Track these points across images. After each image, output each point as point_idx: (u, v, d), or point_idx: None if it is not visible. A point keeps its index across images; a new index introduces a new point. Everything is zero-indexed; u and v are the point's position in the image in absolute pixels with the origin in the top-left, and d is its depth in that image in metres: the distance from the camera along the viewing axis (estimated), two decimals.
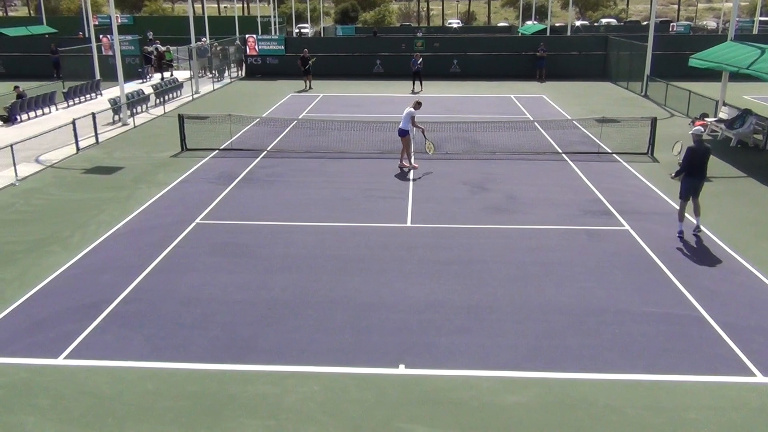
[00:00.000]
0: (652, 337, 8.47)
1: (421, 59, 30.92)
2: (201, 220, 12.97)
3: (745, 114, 19.66)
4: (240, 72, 37.88)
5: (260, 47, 37.29)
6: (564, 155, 18.09)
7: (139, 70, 34.46)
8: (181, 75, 34.23)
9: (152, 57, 35.48)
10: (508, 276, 10.30)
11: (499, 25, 79.60)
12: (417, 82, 30.99)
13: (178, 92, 29.07)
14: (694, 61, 21.60)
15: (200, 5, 63.01)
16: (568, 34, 49.99)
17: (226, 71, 36.59)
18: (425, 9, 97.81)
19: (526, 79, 34.76)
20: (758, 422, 6.85)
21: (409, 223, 12.72)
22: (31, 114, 24.14)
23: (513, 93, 30.34)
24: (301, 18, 72.38)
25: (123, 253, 11.34)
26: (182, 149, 18.79)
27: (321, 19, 72.26)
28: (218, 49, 36.43)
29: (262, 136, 20.46)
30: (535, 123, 21.79)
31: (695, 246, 11.63)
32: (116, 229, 12.52)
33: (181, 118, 19.04)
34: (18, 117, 23.29)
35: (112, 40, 23.62)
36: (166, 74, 34.63)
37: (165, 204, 14.10)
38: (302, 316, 9.05)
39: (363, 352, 8.16)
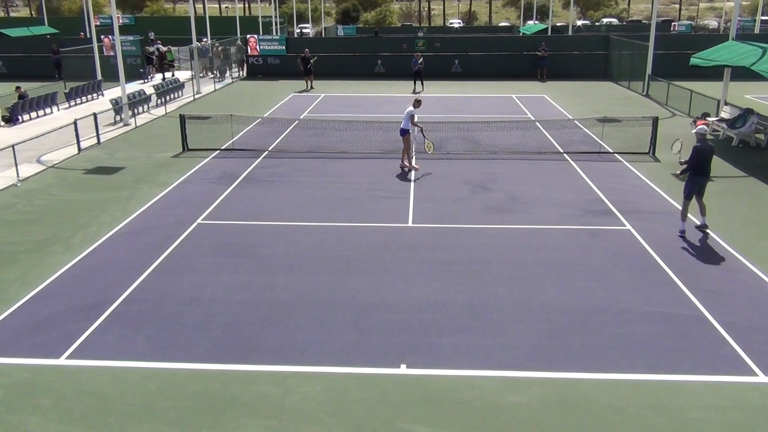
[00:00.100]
0: (653, 337, 8.46)
1: (422, 59, 30.91)
2: (202, 220, 12.97)
3: (746, 113, 19.64)
4: (241, 72, 37.89)
5: (261, 47, 37.31)
6: (565, 155, 18.08)
7: (141, 70, 34.49)
8: (182, 75, 34.25)
9: (153, 57, 35.50)
10: (509, 276, 10.30)
11: (500, 24, 79.59)
12: (418, 82, 30.97)
13: (180, 92, 29.09)
14: (695, 60, 21.59)
15: (201, 5, 63.06)
16: (570, 33, 49.97)
17: (228, 71, 36.60)
18: (426, 9, 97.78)
19: (527, 79, 34.74)
20: (760, 422, 6.84)
21: (410, 223, 12.71)
22: (33, 114, 24.16)
23: (514, 93, 30.33)
24: (302, 18, 72.41)
25: (124, 254, 11.35)
26: (183, 149, 18.80)
27: (322, 19, 72.27)
28: (219, 49, 36.45)
29: (264, 136, 20.46)
30: (537, 123, 21.78)
31: (697, 245, 11.62)
32: (118, 230, 12.53)
33: (182, 119, 19.05)
34: (19, 117, 23.31)
35: (114, 40, 23.63)
36: (168, 74, 34.66)
37: (166, 204, 14.11)
38: (304, 316, 9.05)
39: (365, 352, 8.17)
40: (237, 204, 13.98)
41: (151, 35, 40.74)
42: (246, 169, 16.68)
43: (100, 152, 18.93)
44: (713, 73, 23.53)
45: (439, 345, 8.31)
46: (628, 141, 19.22)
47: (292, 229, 12.47)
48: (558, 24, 66.88)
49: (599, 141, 19.43)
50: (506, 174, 16.22)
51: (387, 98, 28.62)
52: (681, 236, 11.91)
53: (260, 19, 52.60)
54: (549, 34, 47.46)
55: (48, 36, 46.02)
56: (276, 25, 54.63)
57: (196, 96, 29.53)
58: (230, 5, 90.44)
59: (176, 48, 37.55)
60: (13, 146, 16.12)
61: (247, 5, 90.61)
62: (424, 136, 16.85)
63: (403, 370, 7.79)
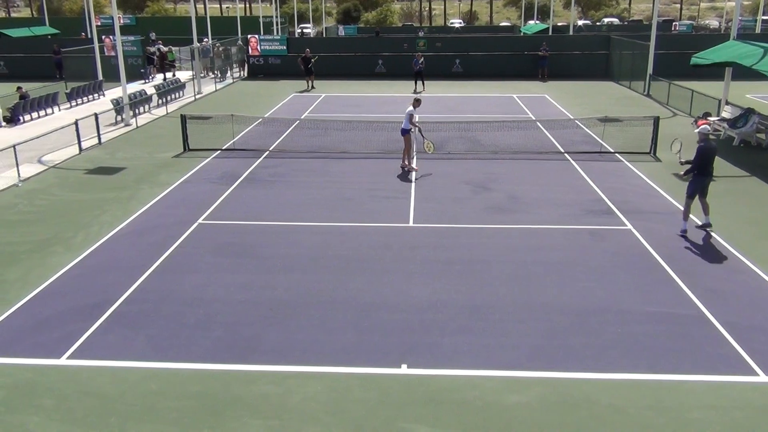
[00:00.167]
0: (654, 337, 8.46)
1: (422, 59, 30.90)
2: (203, 220, 12.98)
3: (747, 113, 19.62)
4: (242, 72, 37.90)
5: (262, 47, 37.32)
6: (566, 155, 18.07)
7: (142, 70, 34.51)
8: (183, 75, 34.28)
9: (154, 57, 35.53)
10: (510, 276, 10.30)
11: (501, 24, 79.57)
12: (419, 82, 30.96)
13: (181, 93, 29.11)
14: (696, 59, 21.58)
15: (202, 6, 63.09)
16: (571, 33, 49.94)
17: (229, 71, 36.62)
18: (427, 9, 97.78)
19: (528, 79, 34.74)
20: (761, 422, 6.83)
21: (411, 223, 12.72)
22: (34, 115, 24.18)
23: (515, 93, 30.32)
24: (303, 18, 72.43)
25: (126, 254, 11.36)
26: (185, 149, 18.81)
27: (323, 19, 72.28)
28: (220, 49, 36.46)
29: (265, 136, 20.47)
30: (538, 123, 21.78)
31: (698, 245, 11.61)
32: (119, 230, 12.54)
33: (183, 119, 19.06)
34: (21, 118, 23.33)
35: (115, 40, 23.64)
36: (169, 75, 34.68)
37: (167, 204, 14.12)
38: (305, 316, 9.05)
39: (366, 352, 8.17)
40: (238, 204, 13.99)
41: (153, 35, 40.77)
42: (247, 169, 16.69)
43: (101, 152, 18.94)
44: (714, 73, 23.51)
45: (440, 345, 8.31)
46: (629, 141, 19.21)
47: (293, 229, 12.47)
48: (559, 24, 66.84)
49: (600, 141, 19.43)
50: (507, 174, 16.22)
51: (388, 98, 28.63)
52: (682, 236, 11.91)
53: (261, 19, 52.61)
54: (550, 33, 47.46)
55: (49, 36, 46.07)
56: (277, 25, 54.65)
57: (197, 96, 29.55)
58: (231, 5, 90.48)
59: (177, 48, 37.57)
60: (14, 146, 16.14)
61: (247, 5, 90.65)
62: (422, 137, 16.85)
63: (404, 370, 7.80)
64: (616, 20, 77.34)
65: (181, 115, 19.41)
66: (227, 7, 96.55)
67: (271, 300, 9.54)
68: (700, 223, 12.33)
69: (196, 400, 7.24)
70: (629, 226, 12.47)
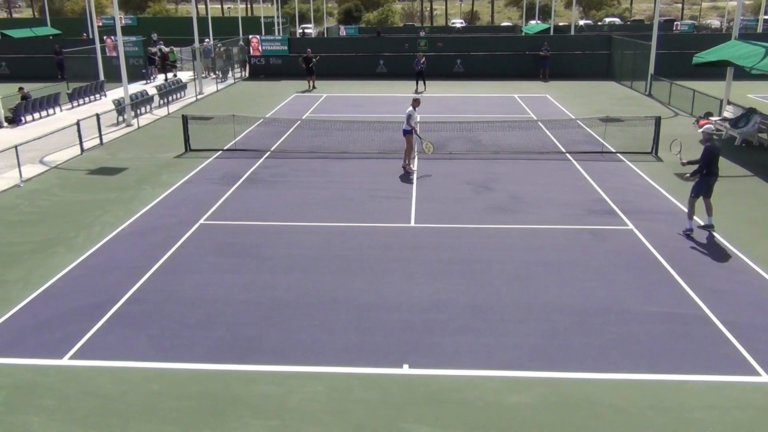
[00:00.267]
0: (656, 337, 8.45)
1: (424, 59, 30.88)
2: (205, 220, 12.99)
3: (749, 113, 19.60)
4: (243, 72, 37.93)
5: (264, 48, 37.34)
6: (568, 155, 18.06)
7: (143, 71, 34.54)
8: (184, 76, 34.31)
9: (156, 58, 35.56)
10: (511, 276, 10.30)
11: (502, 24, 79.53)
12: (420, 83, 30.96)
13: (182, 93, 29.13)
14: (698, 58, 21.56)
15: (204, 6, 63.14)
16: (572, 33, 49.91)
17: (230, 72, 36.64)
18: (428, 9, 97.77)
19: (529, 79, 34.73)
20: (762, 422, 6.83)
21: (412, 223, 12.72)
22: (36, 115, 24.21)
23: (516, 92, 30.31)
24: (304, 18, 72.46)
25: (127, 254, 11.37)
26: (186, 150, 18.83)
27: (324, 19, 72.30)
28: (222, 49, 36.49)
29: (266, 136, 20.48)
30: (539, 122, 21.77)
31: (700, 245, 11.60)
32: (120, 230, 12.55)
33: (185, 119, 19.08)
34: (22, 118, 23.36)
35: (116, 41, 23.67)
36: (170, 75, 34.71)
37: (169, 204, 14.13)
38: (306, 317, 9.06)
39: (367, 352, 8.17)
40: (239, 204, 14.00)
41: (154, 36, 40.79)
42: (248, 170, 16.70)
43: (102, 153, 18.97)
44: (716, 73, 23.50)
45: (442, 345, 8.31)
46: (631, 141, 19.20)
47: (295, 229, 12.48)
48: (560, 24, 66.82)
49: (602, 141, 19.42)
50: (508, 174, 16.21)
51: (389, 98, 28.62)
52: (687, 235, 11.89)
53: (262, 20, 52.67)
54: (551, 33, 47.44)
55: (51, 37, 46.11)
56: (278, 25, 54.69)
57: (199, 96, 29.57)
58: (232, 6, 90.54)
59: (178, 48, 37.59)
60: (16, 147, 16.16)
61: (249, 6, 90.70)
62: (420, 137, 16.79)
63: (406, 370, 7.80)
64: (617, 20, 77.26)
65: (183, 115, 19.43)
66: (228, 8, 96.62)
67: (272, 300, 9.55)
68: (702, 224, 12.31)
69: (197, 400, 7.25)
70: (631, 226, 12.46)
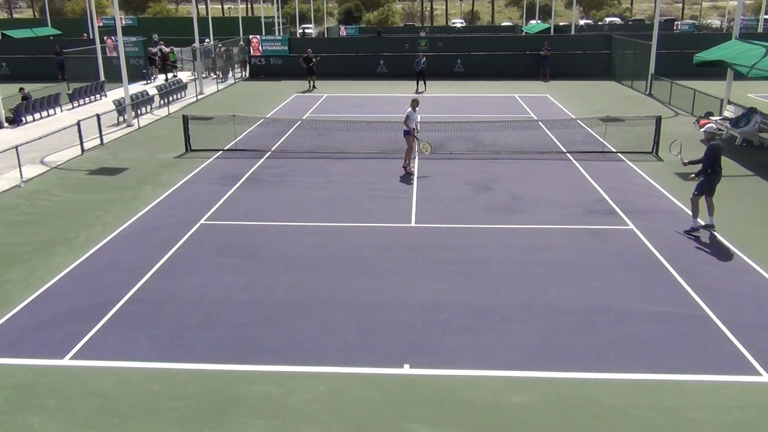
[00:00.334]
0: (656, 337, 8.45)
1: (424, 59, 30.88)
2: (205, 220, 13.00)
3: (750, 112, 19.58)
4: (244, 73, 37.94)
5: (264, 48, 37.35)
6: (568, 154, 18.06)
7: (144, 71, 34.56)
8: (184, 76, 34.31)
9: (156, 58, 35.57)
10: (512, 276, 10.29)
11: (502, 24, 79.54)
12: (421, 82, 30.95)
13: (183, 93, 29.14)
14: (698, 58, 21.55)
15: (204, 6, 63.16)
16: (572, 33, 49.90)
17: (230, 72, 36.65)
18: (429, 9, 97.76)
19: (530, 79, 34.73)
20: (763, 422, 6.82)
21: (413, 223, 12.72)
22: (36, 115, 24.23)
23: (517, 92, 30.31)
24: (304, 18, 72.48)
25: (128, 254, 11.38)
26: (186, 150, 18.84)
27: (325, 19, 72.32)
28: (222, 50, 36.50)
29: (266, 136, 20.48)
30: (539, 122, 21.76)
31: (700, 245, 11.60)
32: (121, 230, 12.56)
33: (185, 119, 19.09)
34: (23, 118, 23.38)
35: (117, 41, 23.69)
36: (170, 75, 34.72)
37: (170, 205, 14.14)
38: (306, 317, 9.06)
39: (367, 352, 8.17)
40: (240, 204, 14.00)
41: (155, 37, 40.81)
42: (249, 170, 16.70)
43: (103, 153, 18.98)
44: (716, 73, 23.51)
45: (442, 345, 8.31)
46: (631, 140, 19.19)
47: (295, 229, 12.48)
48: (561, 23, 66.81)
49: (602, 140, 19.41)
50: (509, 174, 16.21)
51: (389, 98, 28.62)
52: (693, 234, 11.87)
53: (263, 20, 52.71)
54: (551, 33, 47.45)
55: (51, 37, 46.14)
56: (278, 25, 54.71)
57: (199, 97, 29.58)
58: (233, 6, 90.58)
59: (179, 49, 37.59)
60: (16, 147, 16.17)
61: (249, 6, 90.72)
62: (417, 138, 16.74)
63: (406, 370, 7.80)
64: (617, 20, 77.27)
65: (183, 115, 19.44)
66: (229, 8, 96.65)
67: (272, 300, 9.55)
68: (703, 224, 12.30)
69: (197, 400, 7.25)
70: (631, 226, 12.46)
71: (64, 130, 19.41)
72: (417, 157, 17.09)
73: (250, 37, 38.42)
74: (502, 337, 8.49)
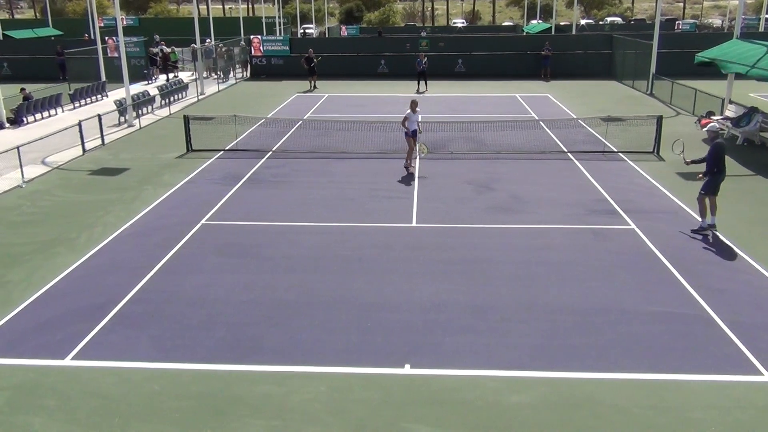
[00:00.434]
0: (657, 337, 8.44)
1: (426, 59, 30.88)
2: (207, 220, 13.00)
3: (751, 112, 19.58)
4: (245, 73, 37.95)
5: (265, 48, 37.36)
6: (569, 154, 18.05)
7: (145, 71, 34.57)
8: (184, 76, 34.32)
9: (157, 59, 35.59)
10: (513, 275, 10.29)
11: (503, 24, 79.52)
12: (422, 82, 30.95)
13: (184, 93, 29.15)
14: (699, 58, 21.53)
15: (205, 6, 63.18)
16: (573, 32, 49.88)
17: (231, 72, 36.66)
18: (430, 9, 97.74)
19: (531, 79, 34.71)
20: (764, 422, 6.81)
21: (414, 223, 12.72)
22: (38, 116, 24.25)
23: (518, 92, 30.29)
24: (305, 18, 72.49)
25: (129, 254, 11.39)
26: (188, 150, 18.85)
27: (326, 19, 72.34)
28: (223, 50, 36.50)
29: (267, 136, 20.49)
30: (540, 122, 21.75)
31: (702, 245, 11.59)
32: (122, 230, 12.57)
33: (186, 119, 19.10)
34: (24, 119, 23.40)
35: (118, 41, 23.70)
36: (171, 75, 34.73)
37: (171, 205, 14.14)
38: (307, 317, 9.06)
39: (368, 353, 8.17)
40: (241, 204, 14.01)
41: (157, 37, 40.84)
42: (250, 170, 16.71)
43: (104, 153, 18.99)
44: (717, 72, 23.43)
45: (443, 345, 8.31)
46: (632, 140, 19.18)
47: (296, 229, 12.48)
48: (562, 23, 66.78)
49: (603, 140, 19.40)
50: (510, 174, 16.21)
51: (390, 98, 28.62)
52: (701, 233, 11.84)
53: (264, 20, 52.72)
54: (553, 33, 47.44)
55: (52, 38, 46.18)
56: (280, 25, 54.74)
57: (200, 97, 29.59)
58: (234, 6, 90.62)
59: (180, 49, 37.61)
60: (18, 148, 16.19)
61: (250, 6, 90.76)
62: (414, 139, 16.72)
63: (407, 370, 7.80)
64: (618, 19, 77.23)
65: (184, 115, 19.45)
66: (230, 8, 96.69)
67: (273, 300, 9.55)
68: (710, 223, 12.29)
69: (198, 400, 7.26)
70: (632, 226, 12.45)
71: (65, 131, 19.43)
72: (418, 158, 17.09)
73: (252, 37, 38.41)
74: (502, 337, 8.49)
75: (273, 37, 39.70)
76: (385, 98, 28.80)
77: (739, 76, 21.72)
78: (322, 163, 17.40)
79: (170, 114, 25.10)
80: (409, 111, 16.10)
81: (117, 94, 27.76)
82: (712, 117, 20.86)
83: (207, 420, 6.92)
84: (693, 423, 6.79)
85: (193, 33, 32.73)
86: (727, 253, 11.19)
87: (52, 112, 25.18)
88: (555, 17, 56.05)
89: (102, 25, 46.67)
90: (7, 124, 22.78)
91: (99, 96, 28.93)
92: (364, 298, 9.62)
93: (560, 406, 7.08)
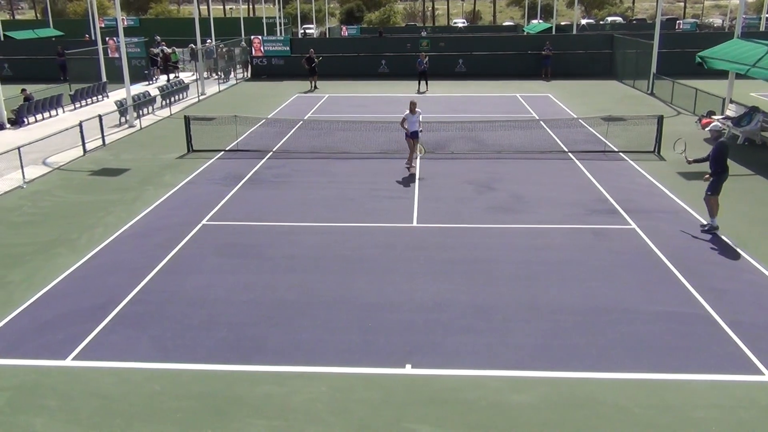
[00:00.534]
0: (659, 336, 8.44)
1: (427, 59, 30.88)
2: (207, 221, 13.00)
3: (752, 111, 19.56)
4: (246, 73, 37.95)
5: (266, 48, 37.36)
6: (570, 154, 18.05)
7: (145, 72, 34.58)
8: (184, 76, 34.32)
9: (158, 59, 35.60)
10: (514, 275, 10.28)
11: (504, 24, 79.50)
12: (423, 83, 30.94)
13: (184, 94, 29.16)
14: (710, 60, 21.54)
15: (206, 7, 63.22)
16: (574, 32, 49.86)
17: (232, 72, 36.67)
18: (430, 8, 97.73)
19: (531, 78, 34.69)
20: (766, 421, 6.80)
21: (415, 223, 12.71)
22: (39, 116, 24.26)
23: (519, 92, 30.28)
24: (306, 19, 72.50)
25: (130, 255, 11.39)
26: (188, 151, 18.85)
27: (326, 19, 72.34)
28: (224, 50, 36.51)
29: (268, 137, 20.50)
30: (541, 122, 21.74)
31: (702, 244, 11.57)
32: (123, 231, 12.57)
33: (187, 120, 19.10)
34: (25, 119, 23.42)
35: (118, 42, 23.71)
36: (172, 76, 34.74)
37: (171, 205, 14.15)
38: (308, 317, 9.06)
39: (369, 353, 8.17)
40: (242, 205, 14.01)
41: (157, 38, 40.85)
42: (251, 170, 16.71)
43: (105, 154, 19.00)
44: (718, 72, 23.45)
45: (444, 345, 8.31)
46: (633, 140, 19.17)
47: (297, 229, 12.48)
48: (562, 23, 66.77)
49: (604, 140, 19.39)
50: (511, 173, 16.20)
51: (391, 98, 28.61)
52: (711, 232, 11.82)
53: (264, 20, 52.70)
54: (553, 33, 47.43)
55: (53, 38, 46.21)
56: (280, 26, 54.75)
57: (201, 97, 29.60)
58: (234, 6, 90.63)
59: (180, 49, 37.62)
60: (18, 148, 16.20)
61: (251, 6, 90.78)
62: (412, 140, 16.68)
63: (408, 370, 7.79)
64: (619, 19, 77.20)
65: (185, 116, 19.45)
66: (230, 8, 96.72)
67: (274, 300, 9.55)
68: (705, 223, 12.30)
69: (199, 400, 7.26)
70: (633, 226, 12.44)
71: (66, 131, 19.44)
72: (419, 158, 17.08)
73: (252, 37, 38.42)
74: (503, 337, 8.48)
75: (274, 38, 39.72)
76: (385, 98, 28.79)
77: (740, 75, 21.73)
78: (322, 163, 17.40)
79: (171, 114, 25.10)
80: (407, 112, 16.08)
81: (118, 94, 27.76)
82: (713, 117, 20.84)
83: (208, 420, 6.91)
84: (694, 423, 6.79)
85: (193, 33, 32.75)
86: (728, 253, 11.18)
87: (53, 112, 25.20)
88: (555, 17, 56.04)
89: (103, 25, 46.68)
90: (8, 125, 22.79)
91: (100, 96, 28.95)
92: (365, 298, 9.61)
93: (562, 406, 7.08)
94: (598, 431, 6.70)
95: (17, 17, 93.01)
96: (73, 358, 8.09)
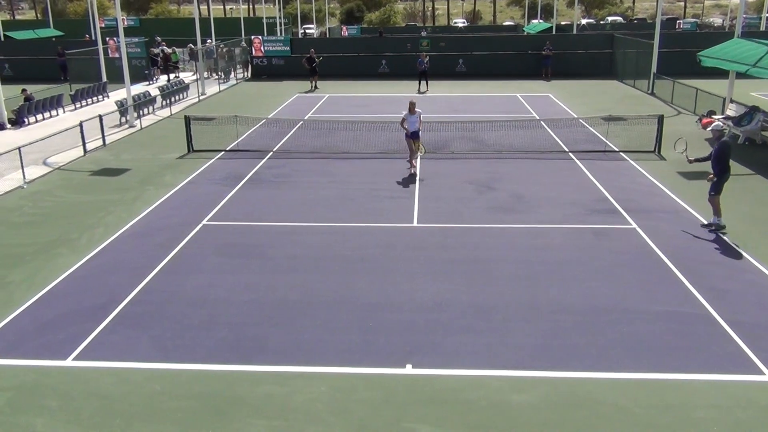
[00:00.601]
0: (659, 336, 8.44)
1: (427, 58, 30.88)
2: (208, 221, 13.00)
3: (752, 111, 19.56)
4: (246, 73, 37.96)
5: (266, 48, 37.37)
6: (570, 154, 18.04)
7: (146, 72, 34.59)
8: (184, 76, 34.31)
9: (158, 59, 35.61)
10: (514, 275, 10.28)
11: (504, 24, 79.49)
12: (423, 82, 30.94)
13: (185, 94, 29.16)
14: (704, 59, 21.55)
15: (206, 7, 63.21)
16: (574, 32, 49.85)
17: (232, 72, 36.67)
18: (430, 8, 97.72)
19: (532, 78, 34.69)
20: (766, 421, 6.81)
21: (415, 223, 12.71)
22: (39, 117, 24.27)
23: (519, 92, 30.28)
24: (306, 19, 72.50)
25: (130, 255, 11.39)
26: (189, 151, 18.86)
27: (327, 19, 72.34)
28: (224, 50, 36.51)
29: (269, 137, 20.50)
30: (542, 122, 21.74)
31: (703, 244, 11.57)
32: (123, 231, 12.58)
33: (187, 120, 19.11)
34: (26, 120, 23.43)
35: (119, 42, 23.72)
36: (172, 76, 34.75)
37: (172, 205, 14.15)
38: (309, 317, 9.06)
39: (370, 352, 8.17)
40: (242, 205, 14.01)
41: (157, 38, 40.87)
42: (251, 170, 16.71)
43: (105, 154, 19.00)
44: (719, 71, 23.44)
45: (445, 345, 8.31)
46: (634, 139, 19.16)
47: (297, 229, 12.48)
48: (562, 23, 66.76)
49: (604, 140, 19.38)
50: (511, 173, 16.20)
51: (391, 98, 28.61)
52: (718, 231, 11.82)
53: (264, 20, 52.70)
54: (553, 32, 47.41)
55: (53, 38, 46.20)
56: (280, 26, 54.75)
57: (201, 97, 29.60)
58: (234, 6, 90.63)
59: (180, 50, 37.61)
60: (19, 148, 16.20)
61: (251, 6, 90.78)
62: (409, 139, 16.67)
63: (409, 370, 7.79)
64: (619, 19, 77.18)
65: (185, 116, 19.46)
66: (231, 8, 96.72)
67: (275, 300, 9.55)
68: (705, 222, 12.30)
69: (199, 400, 7.26)
70: (634, 225, 12.44)
71: (66, 131, 19.45)
72: (419, 157, 17.08)
73: (252, 37, 38.42)
74: (504, 337, 8.49)
75: (274, 38, 39.71)
76: (386, 98, 28.79)
77: (740, 75, 21.74)
78: (323, 163, 17.40)
79: (171, 114, 25.11)
80: (406, 112, 16.08)
81: (118, 94, 27.78)
82: (713, 116, 20.83)
83: (208, 420, 6.92)
84: (694, 422, 6.79)
85: (194, 34, 32.75)
86: (729, 253, 11.18)
87: (53, 112, 25.21)
88: (556, 17, 56.04)
89: (103, 25, 46.67)
90: (9, 125, 22.80)
91: (100, 97, 28.96)
92: (366, 298, 9.62)
93: (562, 406, 7.08)
94: (598, 431, 6.70)
95: (17, 17, 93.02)
96: (74, 358, 8.10)
